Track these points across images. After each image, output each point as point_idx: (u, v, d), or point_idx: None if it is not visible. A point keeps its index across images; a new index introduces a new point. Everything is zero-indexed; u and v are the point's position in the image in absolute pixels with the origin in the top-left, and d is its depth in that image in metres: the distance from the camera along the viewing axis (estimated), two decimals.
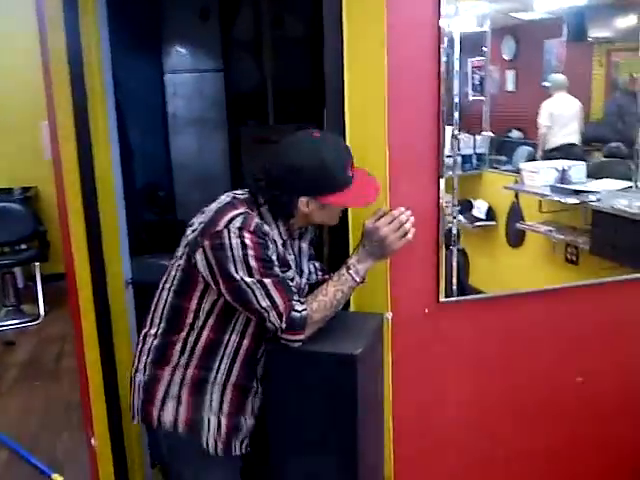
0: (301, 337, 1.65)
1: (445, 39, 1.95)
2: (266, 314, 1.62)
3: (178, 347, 1.74)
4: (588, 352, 2.26)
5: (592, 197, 3.12)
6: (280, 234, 1.73)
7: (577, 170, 3.40)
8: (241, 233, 1.59)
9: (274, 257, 1.65)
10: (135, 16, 5.16)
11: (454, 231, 2.13)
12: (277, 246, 1.70)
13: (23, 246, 5.76)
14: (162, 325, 1.77)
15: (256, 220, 1.64)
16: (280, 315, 1.62)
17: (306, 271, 1.87)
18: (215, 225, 1.62)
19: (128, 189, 2.85)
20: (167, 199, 6.09)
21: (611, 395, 2.32)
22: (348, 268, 1.71)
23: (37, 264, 5.62)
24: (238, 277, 1.60)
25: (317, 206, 1.69)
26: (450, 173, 2.08)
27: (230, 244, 1.59)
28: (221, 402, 1.75)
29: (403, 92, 1.92)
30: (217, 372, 1.74)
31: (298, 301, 1.65)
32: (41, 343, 4.98)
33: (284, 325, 1.62)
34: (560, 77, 3.91)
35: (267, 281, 1.61)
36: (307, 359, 1.66)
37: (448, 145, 2.01)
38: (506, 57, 4.37)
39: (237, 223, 1.61)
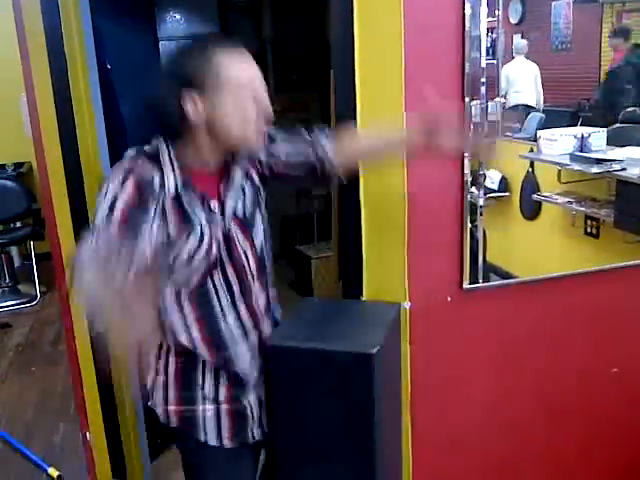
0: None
1: None
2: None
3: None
4: (623, 340, 2.09)
5: (616, 166, 2.94)
6: (176, 181, 1.47)
7: (597, 137, 3.26)
8: (126, 176, 1.40)
9: (144, 224, 1.39)
10: None
11: (480, 202, 1.93)
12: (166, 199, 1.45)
13: (18, 224, 5.60)
14: None
15: (147, 171, 1.43)
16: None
17: (232, 204, 1.56)
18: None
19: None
20: None
21: None
22: None
23: (32, 243, 5.46)
24: (99, 209, 1.39)
25: (209, 106, 1.42)
26: None
27: (111, 179, 1.41)
28: (217, 387, 1.56)
29: (422, 57, 1.73)
30: (199, 355, 1.54)
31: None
32: (38, 325, 4.85)
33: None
34: (521, 42, 3.85)
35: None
36: (317, 358, 1.50)
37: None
38: (512, 20, 4.23)
39: (126, 166, 1.43)
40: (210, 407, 1.56)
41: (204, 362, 1.55)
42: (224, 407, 1.57)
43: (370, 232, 1.77)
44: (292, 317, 1.67)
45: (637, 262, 2.15)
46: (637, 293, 2.08)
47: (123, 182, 1.39)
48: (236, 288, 1.56)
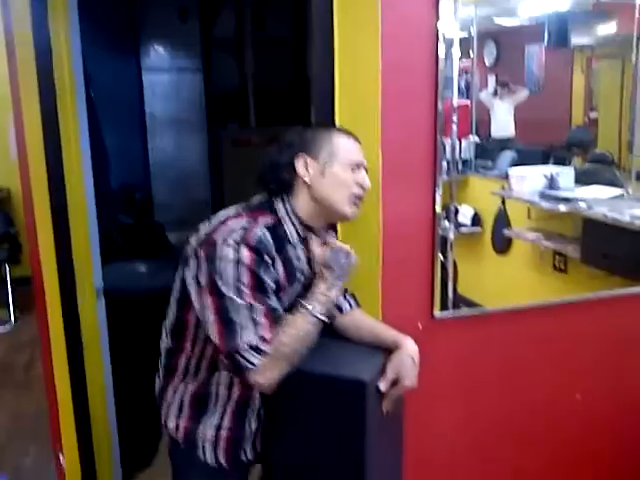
0: (266, 379, 1.48)
1: (442, 41, 1.85)
2: (242, 341, 1.46)
3: (183, 358, 1.67)
4: (587, 369, 2.17)
5: (582, 204, 3.06)
6: (297, 230, 1.62)
7: (565, 176, 3.36)
8: (239, 248, 1.47)
9: (269, 281, 1.51)
10: (112, 15, 5.05)
11: (450, 236, 2.02)
12: (289, 248, 1.59)
13: None
14: (168, 340, 1.70)
15: (258, 233, 1.50)
16: (258, 343, 1.46)
17: None
18: (215, 235, 1.51)
19: (103, 191, 2.72)
20: (144, 201, 5.95)
21: (609, 412, 2.24)
22: (319, 299, 1.55)
23: (7, 267, 5.44)
24: (227, 294, 1.47)
25: (318, 170, 1.59)
26: (445, 177, 1.98)
27: (225, 264, 1.47)
28: (221, 418, 1.66)
29: (398, 95, 1.82)
30: (218, 388, 1.65)
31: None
32: (11, 350, 4.81)
33: (256, 361, 1.46)
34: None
35: (257, 306, 1.48)
36: (311, 382, 1.52)
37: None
38: (487, 62, 4.40)
39: (236, 236, 1.49)
40: (211, 432, 1.66)
41: (218, 391, 1.65)
42: (223, 434, 1.66)
43: None
44: None
45: (599, 295, 2.25)
46: (599, 324, 2.17)
47: (239, 253, 1.47)
48: None
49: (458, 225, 3.10)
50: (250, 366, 1.46)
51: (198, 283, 1.51)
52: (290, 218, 1.61)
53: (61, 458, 2.67)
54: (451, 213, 2.11)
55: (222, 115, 6.33)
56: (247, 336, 1.46)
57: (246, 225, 1.52)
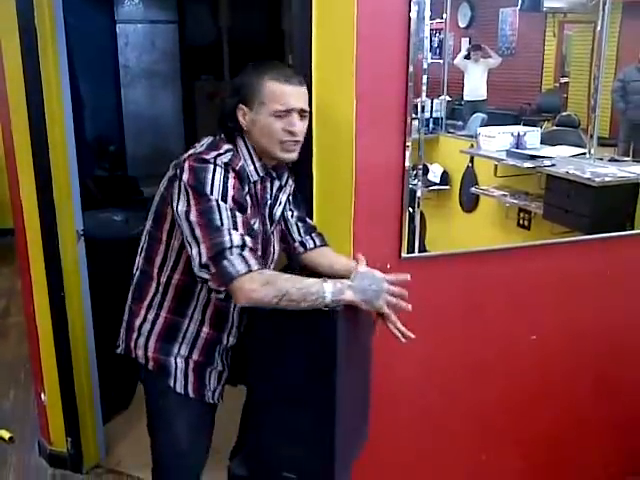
0: (248, 289, 1.49)
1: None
2: (228, 239, 1.49)
3: (153, 285, 1.73)
4: (544, 311, 2.32)
5: (547, 162, 3.18)
6: (256, 169, 1.70)
7: (532, 136, 3.46)
8: (227, 168, 1.57)
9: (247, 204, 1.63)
10: None
11: (418, 194, 2.14)
12: (250, 186, 1.68)
13: None
14: (142, 255, 1.76)
15: (242, 162, 1.64)
16: (245, 242, 1.51)
17: (277, 219, 1.82)
18: (204, 154, 1.60)
19: (79, 142, 2.75)
20: (118, 154, 5.95)
21: (561, 352, 2.39)
22: (335, 282, 1.56)
23: None
24: (213, 198, 1.52)
25: (251, 119, 1.65)
26: (415, 136, 2.07)
27: (213, 175, 1.55)
28: (191, 351, 1.75)
29: (372, 54, 1.90)
30: (190, 320, 1.73)
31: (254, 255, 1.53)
32: None
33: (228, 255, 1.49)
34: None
35: (238, 214, 1.55)
36: (287, 312, 1.60)
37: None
38: (461, 25, 4.42)
39: (225, 158, 1.59)
40: (181, 360, 1.76)
41: (188, 327, 1.74)
42: (192, 364, 1.76)
43: (320, 205, 1.97)
44: None
45: (554, 240, 2.43)
46: (555, 268, 2.31)
47: (226, 175, 1.57)
48: None
49: (428, 184, 3.21)
50: (233, 271, 1.48)
51: (183, 191, 1.55)
52: (251, 157, 1.69)
53: (43, 397, 2.76)
54: (419, 171, 2.23)
55: (197, 68, 6.32)
56: (233, 235, 1.50)
57: (232, 150, 1.63)
